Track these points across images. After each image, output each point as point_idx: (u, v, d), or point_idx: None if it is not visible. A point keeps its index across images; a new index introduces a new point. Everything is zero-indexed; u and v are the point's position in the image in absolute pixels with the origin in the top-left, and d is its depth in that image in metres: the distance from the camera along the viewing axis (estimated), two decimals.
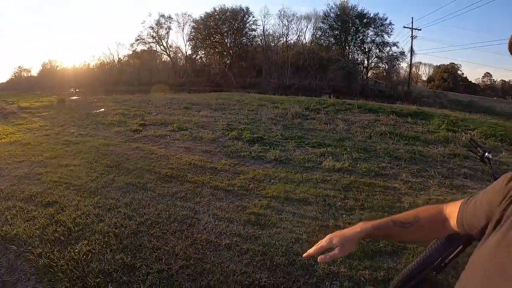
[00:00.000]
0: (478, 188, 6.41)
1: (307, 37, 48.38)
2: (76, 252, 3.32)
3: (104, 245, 3.47)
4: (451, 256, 2.93)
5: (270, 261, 3.30)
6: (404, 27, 42.53)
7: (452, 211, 1.10)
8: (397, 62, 45.71)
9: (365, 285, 3.14)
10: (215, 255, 3.36)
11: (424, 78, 74.90)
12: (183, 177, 5.33)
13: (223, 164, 5.85)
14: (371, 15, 44.82)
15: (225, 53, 46.35)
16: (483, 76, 76.91)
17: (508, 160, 8.61)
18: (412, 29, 41.66)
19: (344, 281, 3.14)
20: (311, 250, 1.28)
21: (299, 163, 6.35)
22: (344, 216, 4.44)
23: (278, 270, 3.21)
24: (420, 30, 45.63)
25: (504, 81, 74.93)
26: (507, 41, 0.76)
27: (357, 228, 1.24)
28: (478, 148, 3.27)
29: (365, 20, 44.73)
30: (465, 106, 30.28)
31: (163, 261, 3.25)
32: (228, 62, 44.56)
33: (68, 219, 3.97)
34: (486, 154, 3.16)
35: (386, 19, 45.05)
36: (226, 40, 46.28)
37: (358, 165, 6.58)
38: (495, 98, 52.95)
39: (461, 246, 2.90)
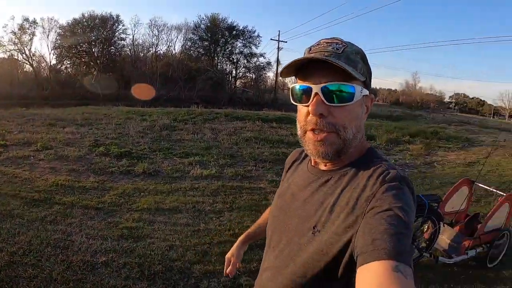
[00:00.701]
0: None
1: (177, 47, 47.75)
2: None
3: None
4: None
5: (148, 271, 3.37)
6: (271, 39, 44.98)
7: None
8: (264, 72, 48.36)
9: (241, 277, 3.41)
10: (94, 274, 3.30)
11: (290, 86, 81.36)
12: (51, 199, 5.01)
13: (91, 182, 5.66)
14: (241, 28, 46.68)
15: (92, 63, 42.68)
16: None
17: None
18: (278, 41, 44.46)
19: (221, 277, 3.38)
20: (227, 270, 1.59)
21: (168, 174, 6.45)
22: (214, 219, 4.72)
23: (157, 278, 3.30)
24: (286, 42, 48.94)
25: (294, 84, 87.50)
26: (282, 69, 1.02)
27: (238, 242, 1.59)
28: None
29: (234, 32, 46.26)
30: None
31: None
32: (95, 73, 41.16)
33: None
34: None
35: (254, 31, 47.45)
36: (93, 50, 42.38)
37: (225, 171, 6.93)
38: None
39: None
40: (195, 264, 3.53)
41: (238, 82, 49.10)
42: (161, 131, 10.06)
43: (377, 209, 0.84)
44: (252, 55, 47.31)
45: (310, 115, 0.96)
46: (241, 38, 46.87)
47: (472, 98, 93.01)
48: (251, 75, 48.37)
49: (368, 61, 1.04)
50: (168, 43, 45.24)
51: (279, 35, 44.17)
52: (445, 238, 4.28)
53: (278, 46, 44.72)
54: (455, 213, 4.56)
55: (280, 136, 11.11)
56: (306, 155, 1.20)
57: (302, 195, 1.07)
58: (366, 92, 1.00)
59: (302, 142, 1.04)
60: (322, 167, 1.07)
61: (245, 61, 47.70)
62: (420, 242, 4.03)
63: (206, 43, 45.63)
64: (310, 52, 0.99)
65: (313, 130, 0.97)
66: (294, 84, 1.04)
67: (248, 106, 24.98)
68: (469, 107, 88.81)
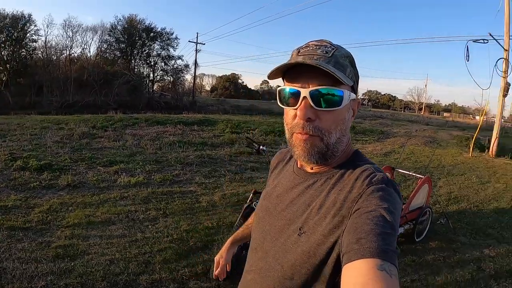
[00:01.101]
0: (264, 177, 7.40)
1: (92, 50, 44.66)
2: None
3: None
4: None
5: None
6: (189, 41, 44.49)
7: None
8: (182, 75, 47.30)
9: (188, 282, 3.42)
10: None
11: (208, 88, 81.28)
12: None
13: (13, 200, 5.17)
14: (158, 29, 45.17)
15: (1, 68, 38.10)
16: (261, 83, 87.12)
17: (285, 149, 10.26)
18: (196, 43, 43.98)
19: (169, 284, 3.36)
20: (216, 272, 1.58)
21: (94, 184, 6.15)
22: (150, 227, 4.62)
23: None
24: (204, 44, 48.66)
25: (279, 86, 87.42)
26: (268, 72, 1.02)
27: (226, 243, 1.59)
28: (254, 144, 3.93)
29: (152, 34, 44.66)
30: (246, 110, 33.82)
31: None
32: (4, 79, 36.69)
33: None
34: (261, 147, 3.83)
35: (172, 33, 46.25)
36: (3, 53, 37.91)
37: (152, 177, 6.80)
38: (272, 101, 60.45)
39: None
40: (140, 275, 3.45)
41: (155, 86, 47.84)
42: (81, 140, 9.55)
43: (363, 210, 0.86)
44: (170, 57, 46.26)
45: (298, 118, 0.97)
46: (159, 40, 45.62)
47: (384, 94, 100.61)
48: (168, 78, 47.28)
49: (356, 65, 1.04)
50: (83, 45, 41.85)
51: (197, 37, 43.88)
52: None
53: (196, 48, 44.40)
54: None
55: (203, 139, 11.15)
56: (292, 156, 1.22)
57: (288, 196, 1.10)
58: (353, 96, 1.01)
59: (289, 144, 1.04)
60: (309, 169, 1.09)
61: (163, 63, 46.53)
62: None
63: (122, 45, 43.37)
64: (299, 54, 1.00)
65: (300, 133, 0.98)
66: (282, 86, 1.04)
67: (167, 110, 24.69)
68: (382, 102, 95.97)
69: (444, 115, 75.19)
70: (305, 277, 0.94)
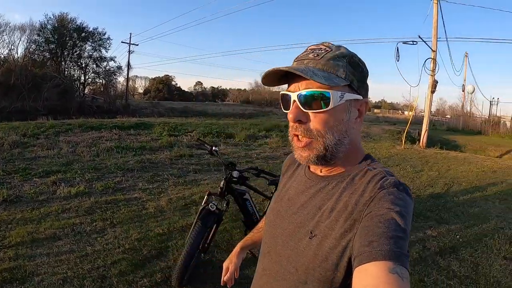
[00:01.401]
0: (208, 179, 7.42)
1: (20, 51, 40.82)
2: None
3: None
4: (210, 236, 3.52)
5: None
6: (122, 42, 42.91)
7: None
8: (115, 77, 45.21)
9: None
10: None
11: (141, 90, 78.75)
12: None
13: None
14: (90, 29, 42.54)
15: None
16: (195, 85, 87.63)
17: (225, 150, 10.35)
18: (130, 44, 42.49)
19: None
20: (225, 278, 1.59)
21: (32, 198, 5.75)
22: (99, 239, 4.44)
23: None
24: (137, 45, 46.48)
25: (214, 87, 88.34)
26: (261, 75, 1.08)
27: (236, 247, 1.61)
28: (206, 145, 3.93)
29: (83, 34, 41.88)
30: (181, 112, 33.32)
31: None
32: None
33: None
34: (214, 148, 3.84)
35: (105, 33, 43.73)
36: None
37: (94, 186, 6.55)
38: (207, 102, 60.48)
39: (215, 225, 3.54)
40: None
41: (87, 89, 45.05)
42: (12, 150, 8.87)
43: (374, 213, 0.87)
44: (102, 59, 43.81)
45: (290, 121, 1.01)
46: (91, 41, 42.90)
47: None
48: (100, 80, 44.68)
49: (361, 64, 1.04)
50: (10, 45, 37.67)
51: (130, 38, 42.45)
52: None
53: (129, 49, 42.90)
54: None
55: (141, 143, 10.86)
56: None
57: (299, 200, 1.10)
58: (350, 96, 0.99)
59: (292, 147, 1.07)
60: (319, 172, 1.10)
61: (95, 65, 43.89)
62: None
63: (52, 46, 40.07)
64: (295, 60, 1.04)
65: (297, 136, 1.01)
66: (282, 91, 1.07)
67: (100, 114, 23.68)
68: None
69: (375, 111, 78.84)
70: (318, 281, 0.95)
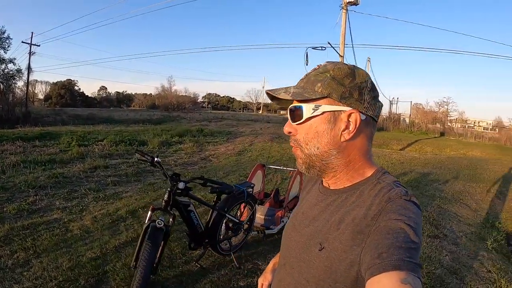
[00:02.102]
0: (130, 191, 7.04)
1: None
2: None
3: None
4: (158, 255, 3.32)
5: None
6: (22, 42, 38.39)
7: None
8: (14, 81, 39.48)
9: None
10: None
11: (41, 96, 71.71)
12: None
13: None
14: None
15: None
16: (99, 90, 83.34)
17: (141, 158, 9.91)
18: (31, 44, 38.22)
19: None
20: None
21: None
22: (25, 273, 3.82)
23: None
24: (39, 46, 41.56)
25: (119, 92, 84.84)
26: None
27: (271, 263, 1.59)
28: (146, 156, 3.68)
29: None
30: (86, 119, 31.26)
31: None
32: None
33: None
34: (156, 159, 3.62)
35: (4, 32, 37.55)
36: None
37: (5, 209, 5.76)
38: (112, 108, 57.56)
39: (162, 241, 3.35)
40: None
41: None
42: None
43: (383, 225, 0.87)
44: (1, 60, 38.35)
45: None
46: None
47: (223, 96, 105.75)
48: None
49: (350, 76, 1.04)
50: None
51: (31, 37, 38.24)
52: (261, 215, 5.01)
53: (30, 50, 38.60)
54: (257, 193, 5.36)
55: (49, 155, 9.99)
56: None
57: (312, 213, 1.13)
58: (328, 108, 1.02)
59: None
60: (329, 186, 1.13)
61: None
62: (242, 226, 4.54)
63: None
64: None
65: (293, 145, 1.10)
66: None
67: None
68: (221, 104, 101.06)
69: (281, 112, 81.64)
70: None
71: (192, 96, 68.92)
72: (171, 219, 3.59)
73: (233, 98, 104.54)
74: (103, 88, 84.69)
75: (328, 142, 1.03)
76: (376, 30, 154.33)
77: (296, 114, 1.06)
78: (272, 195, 5.52)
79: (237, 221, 4.40)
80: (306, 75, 1.10)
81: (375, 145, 20.74)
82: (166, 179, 3.65)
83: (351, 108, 1.02)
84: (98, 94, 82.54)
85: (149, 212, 3.43)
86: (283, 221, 5.07)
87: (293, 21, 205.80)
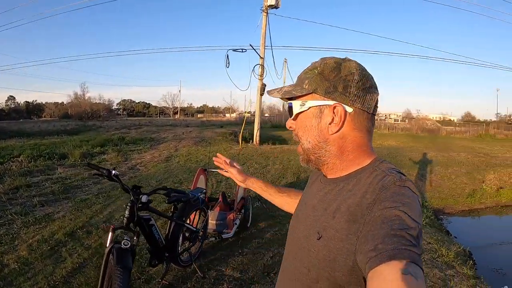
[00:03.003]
0: (61, 210, 6.56)
1: None
2: None
3: None
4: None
5: None
6: None
7: None
8: None
9: None
10: None
11: None
12: None
13: None
14: None
15: None
16: (6, 100, 76.40)
17: (66, 173, 9.27)
18: None
19: None
20: (222, 156, 1.80)
21: None
22: None
23: None
24: None
25: (28, 102, 77.48)
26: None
27: (252, 177, 1.77)
28: (101, 170, 3.32)
29: None
30: None
31: None
32: None
33: None
34: (114, 172, 3.28)
35: None
36: None
37: None
38: (22, 120, 52.89)
39: None
40: None
41: None
42: None
43: (378, 215, 0.86)
44: None
45: None
46: None
47: (139, 102, 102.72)
48: None
49: (335, 69, 1.06)
50: None
51: None
52: (212, 220, 5.01)
53: None
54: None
55: None
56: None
57: (311, 203, 1.15)
58: (314, 103, 1.06)
59: None
60: (328, 176, 1.14)
61: None
62: (198, 234, 4.47)
63: None
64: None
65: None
66: None
67: None
68: (137, 110, 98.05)
69: (198, 116, 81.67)
70: (328, 281, 0.96)
71: (107, 103, 65.83)
72: (135, 237, 3.31)
73: (149, 103, 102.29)
74: (11, 98, 78.28)
75: (317, 135, 1.08)
76: (294, 32, 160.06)
77: (290, 111, 1.13)
78: (221, 199, 5.52)
79: (194, 229, 4.29)
80: (299, 74, 1.14)
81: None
82: (127, 193, 3.33)
83: (335, 102, 1.03)
84: (6, 105, 75.32)
85: (110, 233, 3.08)
86: (235, 224, 5.17)
87: (215, 24, 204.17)
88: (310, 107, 1.07)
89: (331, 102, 1.04)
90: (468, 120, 65.70)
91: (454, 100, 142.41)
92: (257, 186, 1.72)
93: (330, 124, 1.05)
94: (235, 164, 1.78)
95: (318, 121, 1.07)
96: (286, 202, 1.65)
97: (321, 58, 1.12)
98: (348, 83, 1.03)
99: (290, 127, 1.16)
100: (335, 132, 1.05)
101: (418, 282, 0.69)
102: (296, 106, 1.09)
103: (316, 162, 1.12)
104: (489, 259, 7.07)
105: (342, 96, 1.03)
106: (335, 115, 1.04)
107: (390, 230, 0.80)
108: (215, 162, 1.80)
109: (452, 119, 70.92)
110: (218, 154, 1.83)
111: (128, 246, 3.01)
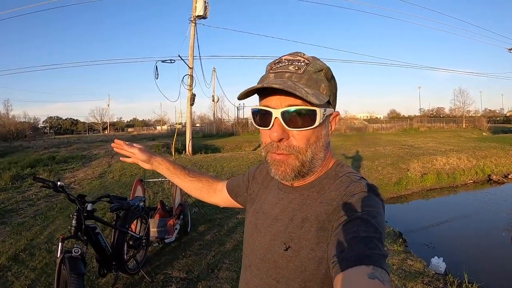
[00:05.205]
0: (13, 226, 6.37)
1: None
2: None
3: None
4: None
5: None
6: None
7: (220, 184, 1.51)
8: None
9: None
10: None
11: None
12: None
13: None
14: None
15: None
16: None
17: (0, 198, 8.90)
18: None
19: None
20: (120, 141, 1.60)
21: None
22: None
23: None
24: None
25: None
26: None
27: (157, 156, 1.61)
28: (47, 182, 3.40)
29: None
30: None
31: None
32: None
33: None
34: (59, 183, 3.36)
35: None
36: None
37: None
38: None
39: None
40: None
41: None
42: None
43: (343, 220, 0.86)
44: None
45: (271, 139, 0.96)
46: None
47: (66, 119, 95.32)
48: None
49: (333, 76, 1.03)
50: None
51: None
52: (153, 228, 5.17)
53: None
54: None
55: None
56: None
57: (273, 212, 1.08)
58: (330, 111, 0.99)
59: (266, 163, 1.04)
60: (293, 184, 1.07)
61: None
62: (142, 241, 4.53)
63: None
64: (271, 71, 1.00)
65: (274, 152, 0.97)
66: (255, 107, 1.01)
67: None
68: (64, 128, 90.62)
69: (129, 130, 78.24)
70: None
71: (32, 121, 61.63)
72: (85, 246, 3.36)
73: (77, 119, 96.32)
74: None
75: (322, 145, 0.99)
76: (222, 42, 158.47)
77: (303, 118, 0.92)
78: (159, 206, 5.73)
79: (138, 236, 4.35)
80: (299, 67, 0.97)
81: (228, 150, 21.97)
82: (73, 202, 3.40)
83: (335, 110, 1.04)
84: None
85: (60, 244, 3.13)
86: (176, 229, 5.35)
87: (143, 36, 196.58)
88: (327, 115, 0.98)
89: (333, 110, 1.02)
90: (394, 116, 69.36)
91: (380, 99, 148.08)
92: (164, 167, 1.56)
93: (330, 131, 1.04)
94: (134, 144, 1.60)
95: (326, 131, 1.01)
96: (196, 187, 1.53)
97: (312, 57, 1.01)
98: (337, 89, 1.05)
99: (281, 138, 0.94)
100: (328, 140, 1.04)
101: (385, 287, 0.68)
102: (321, 114, 0.93)
103: (304, 174, 1.00)
104: (419, 237, 7.79)
105: (335, 102, 1.04)
106: (333, 123, 1.04)
107: (356, 234, 0.79)
108: (115, 149, 1.62)
109: (379, 117, 73.97)
110: (116, 140, 1.62)
111: (79, 253, 3.08)
